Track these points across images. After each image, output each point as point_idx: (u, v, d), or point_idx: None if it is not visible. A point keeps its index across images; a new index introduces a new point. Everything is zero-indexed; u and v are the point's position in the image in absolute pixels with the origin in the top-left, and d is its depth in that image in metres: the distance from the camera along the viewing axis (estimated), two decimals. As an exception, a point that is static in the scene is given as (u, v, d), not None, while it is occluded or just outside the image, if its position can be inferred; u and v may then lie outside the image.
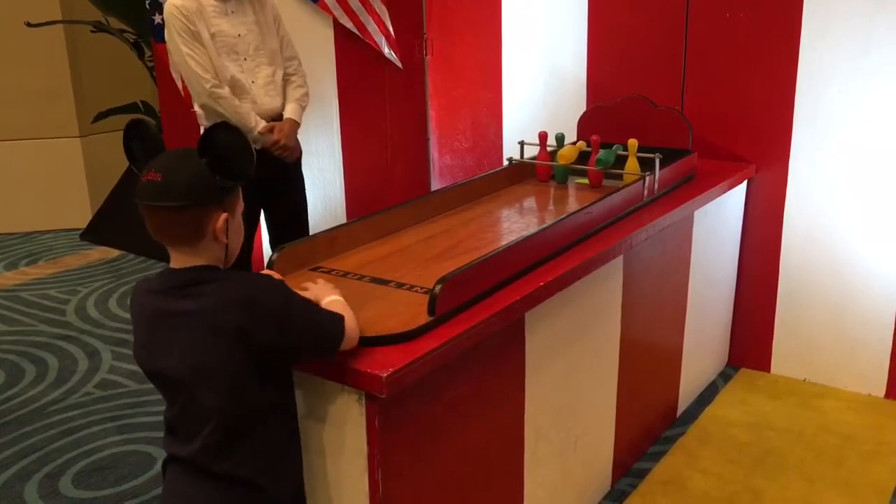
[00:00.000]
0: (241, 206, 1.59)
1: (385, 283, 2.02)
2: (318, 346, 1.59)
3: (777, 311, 3.41)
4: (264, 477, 1.55)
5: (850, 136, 3.10)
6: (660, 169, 2.79)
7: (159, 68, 4.02)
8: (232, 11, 3.10)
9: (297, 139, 3.31)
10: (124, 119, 5.55)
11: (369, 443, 1.66)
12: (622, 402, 2.66)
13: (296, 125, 3.32)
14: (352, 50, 4.03)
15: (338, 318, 1.62)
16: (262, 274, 1.69)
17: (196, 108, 3.20)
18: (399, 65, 4.10)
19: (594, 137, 2.94)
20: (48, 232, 5.86)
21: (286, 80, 3.34)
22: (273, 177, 3.23)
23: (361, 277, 2.06)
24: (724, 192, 3.10)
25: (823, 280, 3.27)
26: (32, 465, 2.95)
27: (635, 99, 3.25)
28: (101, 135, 5.82)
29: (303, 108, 3.38)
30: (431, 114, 4.25)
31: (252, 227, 3.32)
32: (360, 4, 4.00)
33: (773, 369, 3.48)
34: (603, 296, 2.46)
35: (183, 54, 3.02)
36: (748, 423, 3.10)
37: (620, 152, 2.89)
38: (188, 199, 1.46)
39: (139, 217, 1.48)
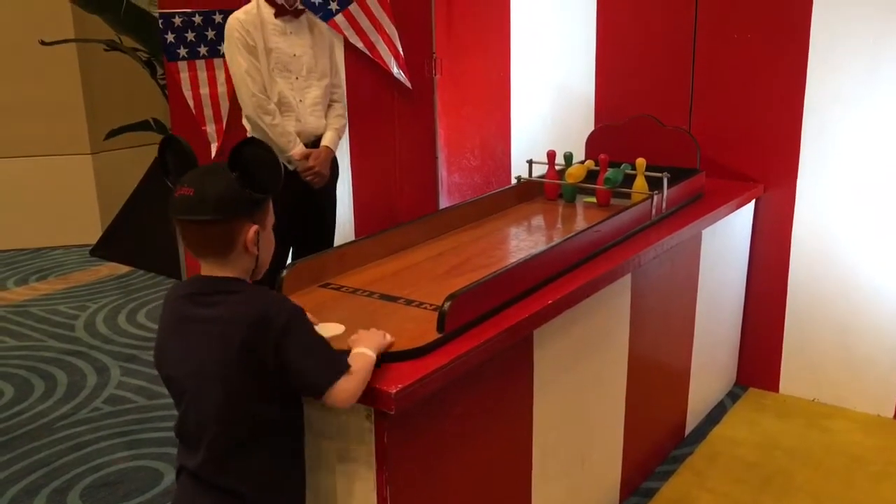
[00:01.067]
0: (271, 219, 1.62)
1: (394, 299, 2.04)
2: (303, 382, 1.56)
3: (785, 330, 3.41)
4: (264, 493, 1.56)
5: (857, 155, 3.11)
6: (668, 188, 2.81)
7: (171, 86, 4.07)
8: (291, 32, 3.24)
9: (330, 164, 3.38)
10: (134, 137, 5.61)
11: (377, 459, 1.66)
12: (630, 420, 2.66)
13: (331, 153, 3.39)
14: (362, 69, 4.07)
15: (337, 367, 1.56)
16: (283, 295, 1.69)
17: (244, 120, 3.31)
18: (408, 84, 4.13)
19: (602, 156, 2.95)
20: (58, 248, 5.89)
21: (329, 106, 3.44)
22: (306, 197, 3.33)
23: (371, 294, 2.07)
24: (732, 211, 3.11)
25: (831, 300, 3.27)
26: (40, 479, 2.96)
27: (643, 118, 3.27)
28: (112, 152, 5.87)
29: (339, 138, 3.47)
30: (440, 132, 4.28)
31: (286, 244, 3.36)
32: (370, 24, 4.04)
33: (781, 389, 3.48)
34: (611, 314, 2.47)
35: (239, 66, 3.14)
36: (756, 443, 3.09)
37: (628, 171, 2.90)
38: (219, 213, 1.49)
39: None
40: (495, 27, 3.94)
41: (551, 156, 3.03)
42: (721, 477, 2.87)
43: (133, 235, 5.42)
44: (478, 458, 1.95)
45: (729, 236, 3.22)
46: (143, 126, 4.93)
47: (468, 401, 1.88)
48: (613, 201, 2.99)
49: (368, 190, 4.23)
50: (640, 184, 2.86)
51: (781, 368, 3.46)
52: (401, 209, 4.29)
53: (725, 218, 3.09)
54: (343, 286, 2.13)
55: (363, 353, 1.63)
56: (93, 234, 5.85)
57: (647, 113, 3.32)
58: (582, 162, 3.11)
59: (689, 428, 3.18)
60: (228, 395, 1.51)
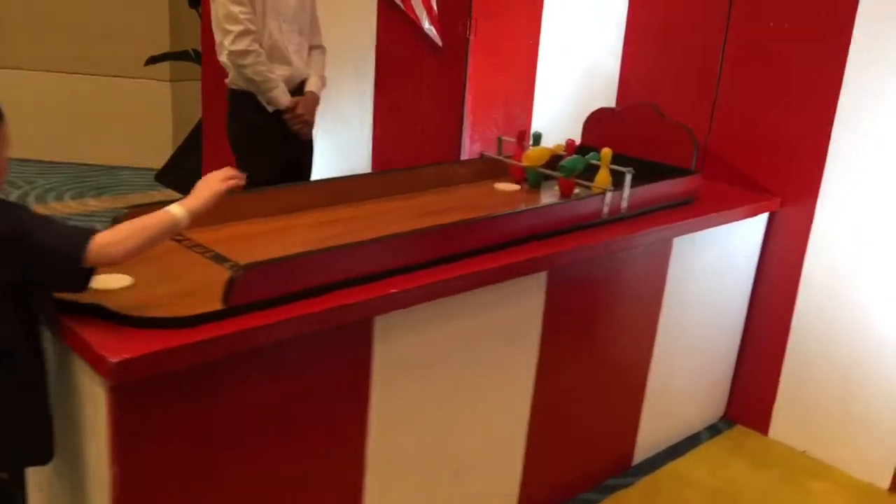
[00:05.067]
0: (3, 143, 1.51)
1: (224, 261, 1.86)
2: (58, 259, 1.47)
3: (783, 369, 2.98)
4: None
5: (888, 183, 2.63)
6: (637, 186, 2.47)
7: (205, 16, 4.04)
8: None
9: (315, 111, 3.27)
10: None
11: (109, 430, 1.51)
12: (536, 436, 2.38)
13: (317, 99, 3.27)
14: (394, 22, 3.87)
15: (87, 231, 1.48)
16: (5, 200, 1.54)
17: (223, 58, 3.15)
18: (438, 42, 3.89)
19: (569, 140, 2.64)
20: (130, 168, 6.08)
21: (311, 50, 3.30)
22: (293, 156, 3.28)
23: (206, 252, 1.91)
24: (724, 222, 2.71)
25: (837, 346, 2.81)
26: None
27: (644, 107, 2.90)
28: (191, 82, 5.96)
29: (324, 85, 3.34)
30: (469, 97, 4.02)
31: None
32: (405, -26, 3.83)
33: (770, 433, 3.05)
34: (512, 315, 2.18)
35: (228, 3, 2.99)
36: (711, 488, 2.72)
37: (594, 161, 2.57)
38: None
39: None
40: (529, -10, 3.62)
41: (521, 135, 2.74)
42: (646, 517, 2.55)
43: (190, 167, 5.50)
44: (271, 457, 1.76)
45: (722, 251, 2.81)
46: (182, 55, 4.94)
47: (257, 389, 1.69)
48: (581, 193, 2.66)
49: (388, 148, 4.06)
50: (602, 177, 2.52)
51: (773, 410, 3.03)
52: (417, 173, 4.09)
53: (716, 229, 2.71)
54: (187, 239, 1.98)
55: (162, 210, 1.58)
56: (163, 160, 6.00)
57: (668, 104, 2.92)
58: (557, 146, 2.78)
59: (638, 457, 2.84)
60: None
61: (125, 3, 5.80)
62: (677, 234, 2.57)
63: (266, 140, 3.22)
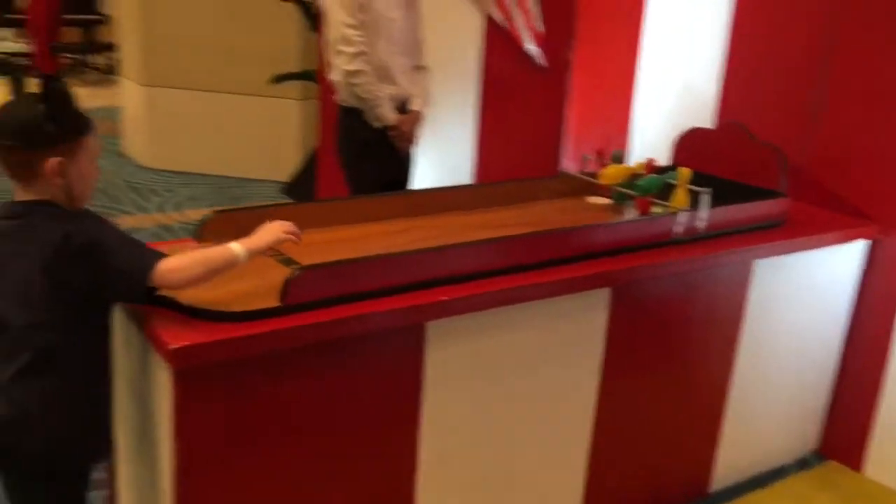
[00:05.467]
0: (87, 155, 1.67)
1: (292, 264, 2.00)
2: (126, 276, 1.62)
3: (881, 404, 2.83)
4: (41, 411, 1.65)
5: None
6: (714, 207, 2.45)
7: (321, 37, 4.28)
8: None
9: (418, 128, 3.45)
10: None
11: (174, 409, 1.67)
12: (597, 456, 2.39)
13: (420, 117, 3.42)
14: (500, 42, 3.97)
15: (154, 253, 1.63)
16: (85, 215, 1.71)
17: (336, 77, 3.32)
18: (541, 62, 3.95)
19: (649, 160, 2.64)
20: (261, 181, 6.46)
21: (414, 74, 3.48)
22: (396, 169, 3.43)
23: (279, 256, 2.05)
24: (813, 247, 2.64)
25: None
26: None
27: (734, 126, 2.85)
28: (316, 100, 6.29)
29: (427, 103, 3.49)
30: (569, 117, 4.05)
31: None
32: (511, -5, 3.92)
33: (865, 470, 2.91)
34: (572, 331, 2.21)
35: (345, 22, 3.16)
36: (790, 523, 2.64)
37: (672, 181, 2.56)
38: (19, 141, 1.58)
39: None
40: (630, 14, 3.63)
41: (600, 152, 2.76)
42: (715, 546, 2.50)
43: (313, 181, 5.80)
44: (319, 452, 1.87)
45: (812, 277, 2.72)
46: (306, 75, 5.21)
47: (308, 385, 1.81)
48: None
49: (489, 165, 4.15)
50: (680, 198, 2.51)
51: (869, 446, 2.89)
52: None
53: (804, 254, 2.63)
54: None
55: (224, 246, 1.71)
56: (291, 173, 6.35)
57: (759, 122, 2.87)
58: (640, 165, 2.78)
59: (716, 486, 2.77)
60: (28, 309, 1.61)
61: (261, 28, 6.18)
62: (758, 258, 2.52)
63: (372, 154, 3.38)
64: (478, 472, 2.16)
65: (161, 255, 1.65)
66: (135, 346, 1.85)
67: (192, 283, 1.67)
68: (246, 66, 6.31)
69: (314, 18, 4.89)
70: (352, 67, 3.22)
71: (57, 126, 1.60)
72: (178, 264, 1.65)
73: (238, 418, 1.74)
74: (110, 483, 2.15)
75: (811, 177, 2.95)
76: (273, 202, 5.74)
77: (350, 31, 3.19)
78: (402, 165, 3.49)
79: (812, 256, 2.67)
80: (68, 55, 10.36)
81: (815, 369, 2.90)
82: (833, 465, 2.97)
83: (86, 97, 9.33)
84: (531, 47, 3.93)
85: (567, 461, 2.35)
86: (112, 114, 7.36)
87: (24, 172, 1.62)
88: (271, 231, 1.80)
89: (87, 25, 10.43)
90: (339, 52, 3.25)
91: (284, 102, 6.37)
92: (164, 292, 1.72)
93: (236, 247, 1.72)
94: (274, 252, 2.08)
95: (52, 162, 1.61)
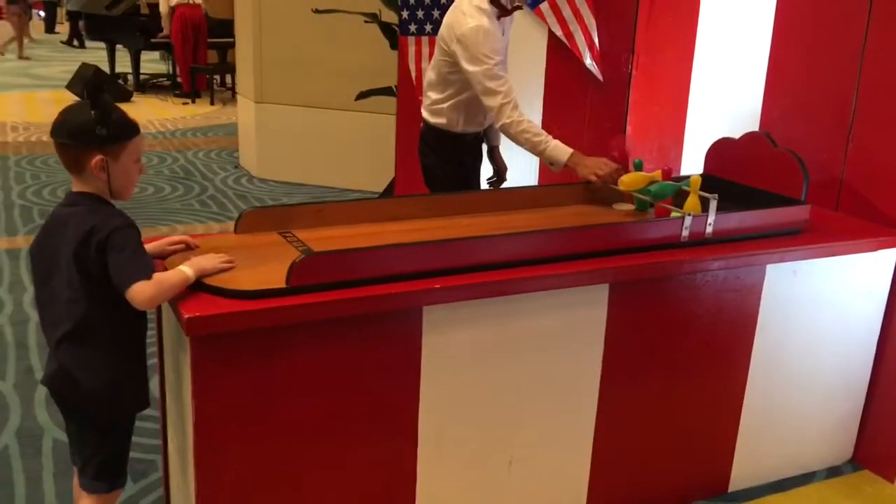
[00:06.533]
0: (131, 155, 1.99)
1: (310, 254, 2.27)
2: (115, 280, 1.91)
3: (911, 414, 2.82)
4: (80, 372, 1.98)
5: None
6: (722, 212, 2.55)
7: (400, 58, 4.59)
8: (504, 31, 3.20)
9: None
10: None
11: (191, 370, 1.97)
12: (602, 443, 2.53)
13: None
14: (561, 58, 4.15)
15: (139, 273, 1.89)
16: (117, 213, 2.00)
17: (503, 125, 3.06)
18: (599, 77, 4.10)
19: (665, 168, 2.76)
20: (358, 191, 6.84)
21: None
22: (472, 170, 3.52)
23: (301, 246, 2.33)
24: (831, 254, 2.68)
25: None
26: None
27: (758, 136, 2.92)
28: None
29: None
30: (628, 130, 4.17)
31: None
32: (571, 14, 4.10)
33: (897, 481, 2.89)
34: (569, 324, 2.37)
35: (503, 80, 3.02)
36: (805, 525, 2.67)
37: (686, 188, 2.67)
38: (71, 140, 1.93)
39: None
40: (684, 26, 3.73)
41: (620, 161, 2.90)
42: (720, 540, 2.58)
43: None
44: (321, 420, 2.11)
45: (836, 285, 2.76)
46: (386, 91, 5.50)
47: (310, 358, 2.06)
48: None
49: (553, 178, 4.31)
50: (692, 204, 2.62)
51: (902, 457, 2.87)
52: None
53: (827, 261, 2.68)
54: (293, 237, 2.42)
55: (179, 269, 1.99)
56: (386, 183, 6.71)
57: (800, 133, 2.93)
58: (657, 173, 2.89)
59: (736, 486, 2.84)
60: (69, 285, 1.94)
61: (355, 47, 6.59)
62: (769, 263, 2.59)
63: (454, 172, 3.40)
64: (476, 446, 2.35)
65: (145, 277, 1.90)
66: (172, 321, 2.16)
67: (153, 306, 1.96)
68: (344, 83, 6.72)
69: (393, 37, 5.20)
70: (512, 118, 3.00)
71: (104, 129, 1.93)
72: (146, 293, 1.89)
73: (247, 382, 2.01)
74: (162, 432, 2.49)
75: (850, 187, 2.98)
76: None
77: (497, 69, 3.02)
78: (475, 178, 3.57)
79: (834, 263, 2.71)
80: (206, 75, 11.23)
81: (847, 378, 2.92)
82: (866, 475, 2.97)
83: (216, 114, 10.17)
84: (591, 63, 4.09)
85: (571, 443, 2.50)
86: (235, 129, 8.00)
87: (75, 167, 1.96)
88: (209, 259, 2.09)
89: (224, 48, 11.26)
90: (495, 92, 3.02)
91: (380, 117, 6.73)
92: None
93: (188, 270, 1.99)
94: (299, 243, 2.37)
95: (97, 160, 1.94)
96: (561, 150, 2.98)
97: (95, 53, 13.79)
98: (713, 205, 2.53)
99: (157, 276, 1.94)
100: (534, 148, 3.02)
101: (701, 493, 2.80)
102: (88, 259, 1.91)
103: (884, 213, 2.86)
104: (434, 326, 2.19)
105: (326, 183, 6.99)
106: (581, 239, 2.38)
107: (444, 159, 3.40)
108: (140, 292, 1.90)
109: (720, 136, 3.45)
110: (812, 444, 2.95)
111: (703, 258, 2.47)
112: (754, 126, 3.35)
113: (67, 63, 13.45)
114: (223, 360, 1.98)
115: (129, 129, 1.99)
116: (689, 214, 2.52)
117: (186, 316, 1.89)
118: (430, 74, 3.37)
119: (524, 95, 4.39)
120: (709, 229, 2.55)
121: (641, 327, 2.50)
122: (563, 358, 2.41)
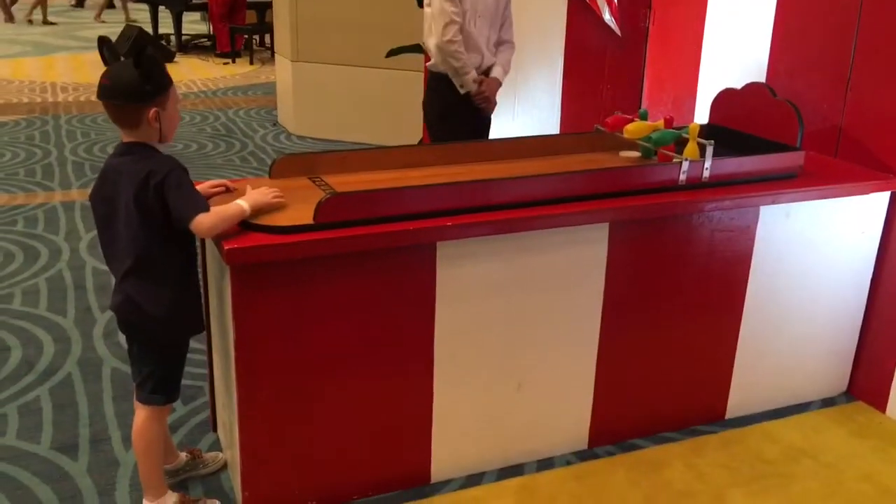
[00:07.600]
0: (172, 103, 2.24)
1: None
2: (176, 216, 2.16)
3: (901, 346, 3.01)
4: (144, 299, 2.26)
5: None
6: (719, 157, 2.74)
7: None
8: None
9: (496, 92, 3.92)
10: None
11: (232, 296, 2.24)
12: (604, 371, 2.76)
13: (499, 84, 3.90)
14: (581, 15, 4.32)
15: (198, 206, 2.15)
16: (168, 157, 2.25)
17: (432, 48, 3.85)
18: (618, 32, 4.26)
19: (667, 117, 2.94)
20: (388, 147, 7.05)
21: (501, 44, 3.96)
22: (475, 129, 3.94)
23: (328, 190, 2.58)
24: (824, 197, 2.85)
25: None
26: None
27: (759, 87, 3.09)
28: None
29: (506, 72, 3.96)
30: (646, 83, 4.33)
31: None
32: (590, -30, 4.25)
33: (888, 410, 3.08)
34: (571, 260, 2.59)
35: (446, 13, 3.68)
36: (794, 447, 2.89)
37: (686, 135, 2.86)
38: (128, 100, 2.18)
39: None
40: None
41: (627, 111, 3.09)
42: (716, 456, 2.81)
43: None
44: (348, 337, 2.37)
45: (829, 226, 2.94)
46: (416, 48, 5.70)
47: (337, 287, 2.32)
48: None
49: (572, 128, 4.51)
50: (691, 150, 2.81)
51: (893, 388, 3.06)
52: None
53: (818, 203, 2.86)
54: (321, 181, 2.68)
55: (236, 203, 2.25)
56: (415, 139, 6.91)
57: (804, 83, 3.08)
58: (660, 123, 3.07)
59: (732, 413, 3.06)
60: (130, 224, 2.22)
61: (391, 7, 6.78)
62: (762, 204, 2.78)
63: (455, 114, 3.90)
64: (486, 369, 2.61)
65: (204, 209, 2.15)
66: (215, 254, 2.44)
67: (216, 234, 2.20)
68: (377, 41, 6.91)
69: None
70: (446, 37, 3.71)
71: (151, 84, 2.18)
72: (206, 222, 2.14)
73: (280, 307, 2.29)
74: (209, 361, 2.79)
75: (849, 134, 3.13)
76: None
77: (448, 6, 3.69)
78: (479, 125, 3.96)
79: (826, 206, 2.89)
80: (245, 35, 11.49)
81: (841, 314, 3.10)
82: (859, 406, 3.17)
83: (256, 74, 10.42)
84: (609, 18, 4.25)
85: (574, 370, 2.74)
86: (274, 88, 8.26)
87: (131, 122, 2.21)
88: (263, 193, 2.34)
89: (262, 8, 11.49)
90: (436, 22, 3.75)
91: (413, 75, 6.93)
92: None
93: (244, 204, 2.25)
94: (327, 187, 2.62)
95: (152, 112, 2.20)
96: None
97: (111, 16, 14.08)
98: (709, 151, 2.72)
99: (215, 208, 2.20)
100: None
101: (699, 419, 3.02)
102: (148, 200, 2.16)
103: (880, 159, 3.02)
104: (447, 260, 2.43)
105: (360, 140, 7.22)
106: (584, 182, 2.59)
107: (443, 102, 3.87)
108: (201, 223, 2.15)
109: (731, 86, 3.62)
110: (807, 376, 3.15)
111: (697, 199, 2.67)
112: (761, 77, 3.50)
113: (111, 26, 13.80)
114: (259, 286, 2.25)
115: (167, 77, 2.23)
116: (686, 159, 2.71)
117: (227, 247, 2.16)
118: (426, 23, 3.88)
119: (545, 51, 4.58)
120: (705, 174, 2.74)
121: (640, 264, 2.71)
122: (567, 291, 2.64)
